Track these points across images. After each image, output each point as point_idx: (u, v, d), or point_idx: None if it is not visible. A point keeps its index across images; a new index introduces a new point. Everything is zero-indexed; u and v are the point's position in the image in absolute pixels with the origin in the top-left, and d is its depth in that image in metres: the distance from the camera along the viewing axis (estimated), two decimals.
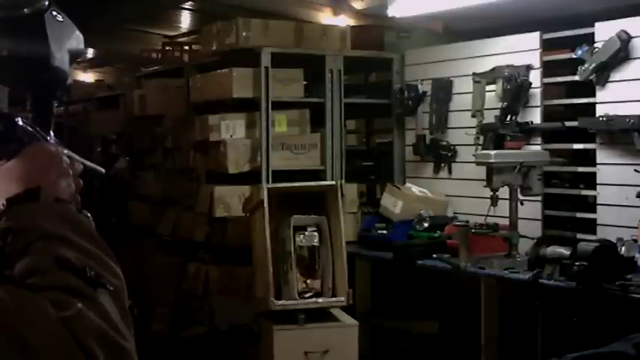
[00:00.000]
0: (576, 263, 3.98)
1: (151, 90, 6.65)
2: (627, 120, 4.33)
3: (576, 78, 4.62)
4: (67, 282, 1.01)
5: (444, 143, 5.48)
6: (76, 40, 1.27)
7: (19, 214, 1.08)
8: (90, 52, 9.43)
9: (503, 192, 4.60)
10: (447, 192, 5.47)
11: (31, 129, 1.19)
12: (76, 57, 1.27)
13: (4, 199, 1.10)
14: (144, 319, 5.69)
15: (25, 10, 1.18)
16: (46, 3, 1.21)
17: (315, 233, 4.60)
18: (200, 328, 5.49)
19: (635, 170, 4.35)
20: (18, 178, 1.12)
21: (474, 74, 5.15)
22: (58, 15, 1.22)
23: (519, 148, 4.84)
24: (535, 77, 4.90)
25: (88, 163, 1.28)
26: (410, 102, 5.60)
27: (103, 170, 1.35)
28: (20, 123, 1.18)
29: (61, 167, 1.17)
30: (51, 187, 1.13)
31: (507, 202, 4.60)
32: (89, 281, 1.02)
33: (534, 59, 4.91)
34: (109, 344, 0.98)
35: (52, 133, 1.23)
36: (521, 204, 4.60)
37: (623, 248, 4.12)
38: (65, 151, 1.21)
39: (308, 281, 4.57)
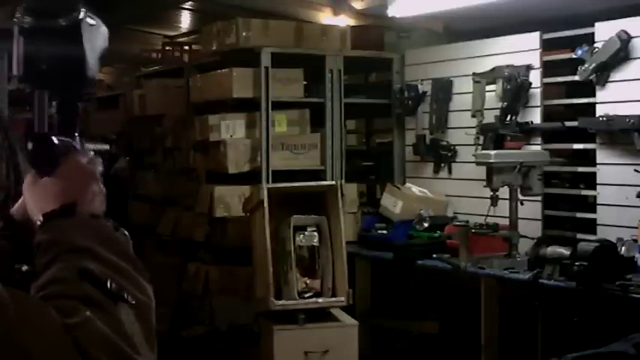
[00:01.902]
0: (576, 263, 3.99)
1: (151, 90, 6.65)
2: (627, 120, 4.33)
3: (576, 78, 4.62)
4: (83, 291, 1.02)
5: (444, 143, 5.48)
6: (105, 39, 1.25)
7: (53, 229, 1.10)
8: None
9: (503, 192, 4.60)
10: (447, 192, 5.47)
11: (63, 142, 1.19)
12: (102, 58, 1.25)
13: (41, 215, 1.12)
14: None
15: (61, 21, 1.16)
16: (82, 12, 1.19)
17: (315, 233, 4.60)
18: (200, 328, 5.49)
19: (635, 170, 4.35)
20: (54, 194, 1.14)
21: (474, 74, 5.15)
22: (92, 19, 1.21)
23: (519, 148, 4.84)
24: (535, 77, 4.90)
25: (93, 146, 1.28)
26: (410, 102, 5.60)
27: (107, 146, 1.35)
28: (55, 140, 1.18)
29: (96, 183, 1.19)
30: (86, 203, 1.15)
31: (507, 202, 4.60)
32: (109, 293, 1.03)
33: (534, 59, 4.91)
34: (116, 355, 0.98)
35: (77, 135, 1.23)
36: (521, 204, 4.60)
37: (623, 248, 4.12)
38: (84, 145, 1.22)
39: (308, 281, 4.57)
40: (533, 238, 4.51)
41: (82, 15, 1.18)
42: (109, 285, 1.04)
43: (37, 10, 1.16)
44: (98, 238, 1.10)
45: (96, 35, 1.21)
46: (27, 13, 1.16)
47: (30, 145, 1.17)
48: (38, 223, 1.13)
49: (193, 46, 7.66)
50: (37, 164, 1.16)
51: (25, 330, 0.94)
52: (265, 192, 4.63)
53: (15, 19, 1.17)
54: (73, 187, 1.15)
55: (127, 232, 1.18)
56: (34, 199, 1.16)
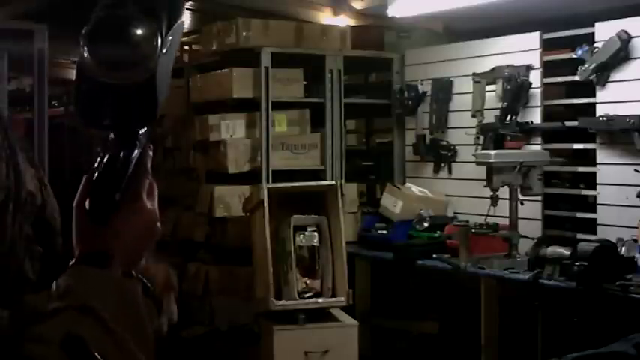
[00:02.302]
0: (576, 263, 3.99)
1: None
2: (627, 120, 4.33)
3: (576, 78, 4.62)
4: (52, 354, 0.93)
5: (444, 143, 5.48)
6: (179, 37, 1.06)
7: (76, 275, 1.02)
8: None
9: (503, 192, 4.60)
10: (447, 192, 5.47)
11: (130, 187, 1.04)
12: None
13: (77, 251, 1.04)
14: None
15: (133, 74, 0.98)
16: (157, 53, 0.99)
17: (315, 233, 4.60)
18: (200, 328, 5.49)
19: (635, 170, 4.35)
20: (98, 237, 1.03)
21: (474, 74, 5.15)
22: (165, 46, 1.00)
23: (519, 148, 4.84)
24: (535, 77, 4.90)
25: None
26: (410, 102, 5.60)
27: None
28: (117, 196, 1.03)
29: (151, 234, 1.07)
30: (126, 259, 1.05)
31: (507, 202, 4.60)
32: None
33: (534, 59, 4.91)
34: None
35: (138, 145, 1.06)
36: (521, 204, 4.60)
37: (623, 248, 4.12)
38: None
39: (308, 281, 4.57)
40: (533, 238, 4.51)
41: (156, 59, 0.99)
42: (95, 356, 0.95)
43: (106, 58, 0.99)
44: (118, 301, 1.01)
45: (171, 57, 1.02)
46: (93, 57, 0.99)
47: (90, 196, 1.04)
48: (72, 261, 1.04)
49: (193, 46, 7.65)
50: (92, 217, 1.04)
51: None
52: (265, 192, 4.63)
53: (78, 61, 1.01)
54: (122, 236, 1.04)
55: (154, 289, 1.10)
56: (80, 235, 1.06)
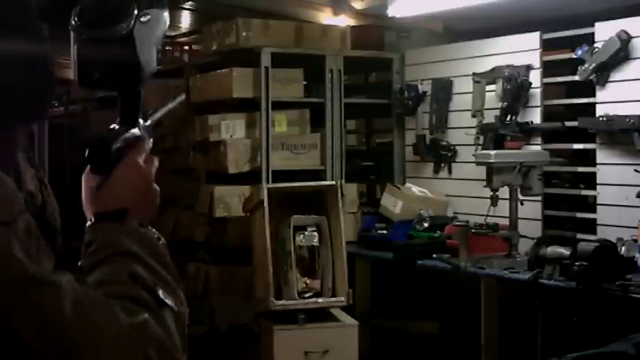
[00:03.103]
0: (576, 263, 3.99)
1: (151, 90, 6.64)
2: (627, 120, 4.33)
3: (576, 78, 4.62)
4: (138, 294, 1.08)
5: (444, 143, 5.48)
6: (164, 25, 1.27)
7: (103, 230, 1.17)
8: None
9: (503, 192, 4.60)
10: (447, 192, 5.47)
11: (124, 139, 1.23)
12: (162, 40, 1.29)
13: (92, 215, 1.19)
14: None
15: (113, 29, 1.19)
16: (134, 13, 1.20)
17: (315, 233, 4.60)
18: (200, 328, 5.49)
19: (635, 170, 4.35)
20: (108, 197, 1.20)
21: (474, 74, 5.15)
22: (144, 17, 1.22)
23: (519, 148, 4.84)
24: (535, 77, 4.90)
25: (166, 108, 1.37)
26: (410, 102, 5.60)
27: (183, 95, 1.41)
28: (113, 143, 1.22)
29: (149, 192, 1.24)
30: (137, 211, 1.20)
31: (507, 202, 4.61)
32: (157, 299, 1.10)
33: (534, 59, 4.91)
34: (167, 356, 1.05)
35: (140, 122, 1.28)
36: (521, 204, 4.60)
37: (623, 248, 4.12)
38: (145, 124, 1.28)
39: (308, 281, 4.57)
40: (533, 238, 4.51)
41: (133, 21, 1.20)
42: (157, 292, 1.10)
43: (90, 19, 1.20)
44: (145, 246, 1.16)
45: (151, 30, 1.23)
46: (80, 20, 1.20)
47: (88, 147, 1.22)
48: (88, 222, 1.19)
49: (193, 46, 7.65)
50: (94, 166, 1.22)
51: (98, 325, 0.99)
52: (265, 192, 4.63)
53: (70, 27, 1.21)
54: (126, 192, 1.20)
55: (165, 242, 1.23)
56: (89, 198, 1.22)
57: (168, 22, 1.28)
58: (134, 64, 1.22)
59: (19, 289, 0.95)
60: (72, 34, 1.21)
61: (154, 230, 1.23)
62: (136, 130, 1.26)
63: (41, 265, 1.00)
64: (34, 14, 1.15)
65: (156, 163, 1.27)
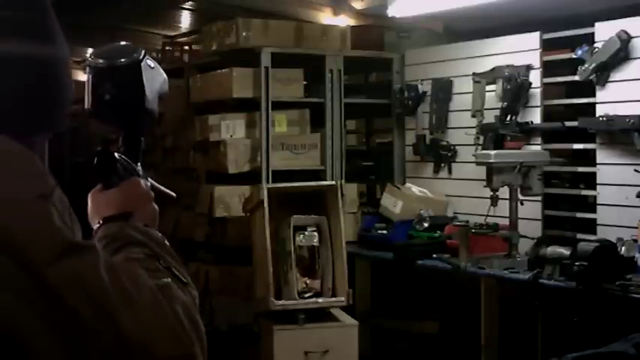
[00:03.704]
0: (576, 263, 3.98)
1: None
2: (627, 120, 4.33)
3: (576, 78, 4.62)
4: (157, 267, 1.17)
5: (444, 143, 5.48)
6: (164, 83, 1.47)
7: (114, 227, 1.27)
8: (90, 52, 9.44)
9: (503, 192, 4.60)
10: (447, 192, 5.47)
11: (126, 163, 1.38)
12: (162, 98, 1.45)
13: (100, 219, 1.30)
14: None
15: (123, 60, 1.38)
16: (142, 53, 1.40)
17: (315, 233, 4.60)
18: None
19: (635, 170, 4.35)
20: (115, 203, 1.32)
21: (474, 74, 5.15)
22: (151, 62, 1.41)
23: (519, 148, 4.84)
24: (535, 77, 4.90)
25: (161, 188, 1.52)
26: (410, 102, 5.60)
27: (174, 195, 1.59)
28: (117, 157, 1.37)
29: (152, 205, 1.38)
30: (141, 217, 1.32)
31: (507, 202, 4.60)
32: (176, 276, 1.18)
33: (534, 59, 4.91)
34: (192, 319, 1.12)
35: (139, 165, 1.43)
36: (521, 204, 4.60)
37: (623, 248, 4.12)
38: (149, 180, 1.44)
39: (308, 281, 4.57)
40: (533, 238, 4.51)
41: (141, 56, 1.39)
42: (174, 270, 1.19)
43: (104, 54, 1.39)
44: (152, 240, 1.25)
45: (154, 77, 1.42)
46: (95, 55, 1.39)
47: (97, 160, 1.35)
48: (96, 226, 1.30)
49: (193, 46, 7.65)
50: (102, 177, 1.35)
51: (131, 289, 1.06)
52: (265, 192, 4.63)
53: (87, 61, 1.39)
54: (132, 202, 1.33)
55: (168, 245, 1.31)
56: (96, 206, 1.33)
57: (167, 88, 1.47)
58: (140, 93, 1.38)
59: (61, 256, 1.01)
60: (88, 68, 1.39)
61: (157, 232, 1.32)
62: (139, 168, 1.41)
63: (75, 233, 1.06)
64: (55, 21, 1.20)
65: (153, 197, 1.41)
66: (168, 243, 1.28)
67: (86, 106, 1.39)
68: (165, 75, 1.47)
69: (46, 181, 1.07)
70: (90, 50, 1.38)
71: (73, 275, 1.00)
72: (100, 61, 1.38)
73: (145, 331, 1.04)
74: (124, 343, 1.02)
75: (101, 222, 1.29)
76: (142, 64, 1.39)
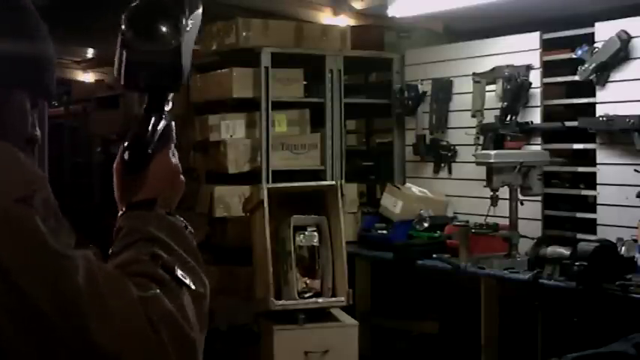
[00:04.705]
0: (576, 263, 3.98)
1: None
2: (627, 120, 4.33)
3: (576, 78, 4.62)
4: (154, 272, 1.15)
5: (444, 143, 5.48)
6: (199, 22, 1.34)
7: (134, 218, 1.26)
8: (90, 52, 9.43)
9: (503, 192, 4.60)
10: (447, 192, 5.47)
11: (160, 138, 1.32)
12: (196, 44, 1.37)
13: (124, 205, 1.29)
14: None
15: (163, 46, 1.27)
16: (183, 31, 1.28)
17: (315, 233, 4.60)
18: None
19: (635, 170, 4.35)
20: (140, 189, 1.29)
21: (474, 74, 5.15)
22: (188, 25, 1.30)
23: (519, 148, 4.84)
24: (535, 77, 4.90)
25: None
26: (410, 102, 5.60)
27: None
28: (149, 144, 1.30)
29: (177, 183, 1.34)
30: (165, 201, 1.30)
31: (507, 202, 4.61)
32: (175, 278, 1.17)
33: (534, 59, 4.91)
34: (175, 330, 1.11)
35: (165, 117, 1.34)
36: (521, 204, 4.60)
37: (623, 248, 4.12)
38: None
39: (308, 281, 4.57)
40: (533, 238, 4.51)
41: (182, 37, 1.27)
42: (175, 272, 1.17)
43: (142, 32, 1.27)
44: (171, 232, 1.24)
45: (192, 34, 1.31)
46: (131, 28, 1.26)
47: (127, 150, 1.30)
48: (120, 212, 1.29)
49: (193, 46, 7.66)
50: (131, 167, 1.30)
51: (108, 298, 1.05)
52: (265, 192, 4.63)
53: (120, 32, 1.27)
54: (157, 184, 1.30)
55: (192, 230, 1.31)
56: (122, 189, 1.31)
57: (201, 17, 1.34)
58: (178, 72, 1.30)
59: (37, 259, 1.01)
60: (121, 38, 1.27)
61: (181, 219, 1.31)
62: (163, 122, 1.34)
63: (59, 239, 1.04)
64: (33, 14, 1.19)
65: (176, 156, 1.37)
66: (190, 231, 1.29)
67: (115, 75, 1.30)
68: (199, 13, 1.34)
69: (28, 183, 1.05)
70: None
71: (45, 281, 1.00)
72: (137, 42, 1.26)
73: (116, 342, 1.03)
74: (94, 352, 1.02)
75: (124, 209, 1.29)
76: (182, 39, 1.28)
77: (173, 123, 1.38)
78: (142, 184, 1.29)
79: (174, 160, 1.35)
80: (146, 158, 1.29)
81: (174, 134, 1.38)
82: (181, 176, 1.35)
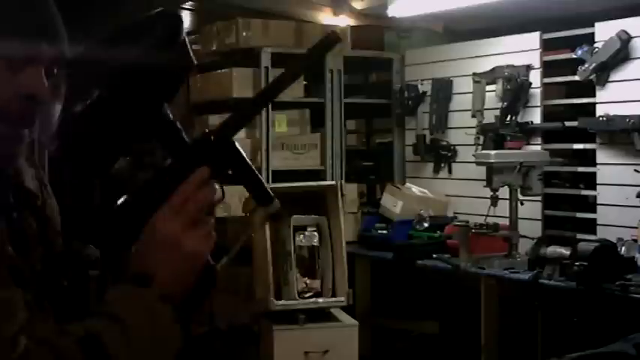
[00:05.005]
0: (576, 263, 3.98)
1: None
2: (627, 120, 4.33)
3: (576, 78, 4.62)
4: (64, 345, 1.05)
5: (444, 143, 5.48)
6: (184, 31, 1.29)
7: (118, 289, 1.14)
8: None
9: (504, 192, 4.60)
10: (447, 192, 5.47)
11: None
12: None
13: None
14: None
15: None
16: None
17: (315, 233, 4.60)
18: (200, 328, 5.48)
19: (635, 170, 4.35)
20: (138, 259, 1.16)
21: (474, 74, 5.15)
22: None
23: (519, 148, 4.84)
24: (535, 77, 4.90)
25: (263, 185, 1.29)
26: (410, 102, 5.60)
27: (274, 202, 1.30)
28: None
29: (182, 263, 1.16)
30: (163, 281, 1.14)
31: (507, 202, 4.60)
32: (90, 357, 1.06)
33: (534, 59, 4.91)
34: None
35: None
36: (521, 204, 4.60)
37: (623, 248, 4.12)
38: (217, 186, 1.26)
39: (308, 281, 4.57)
40: (533, 238, 4.50)
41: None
42: (100, 352, 1.07)
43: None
44: (144, 320, 1.11)
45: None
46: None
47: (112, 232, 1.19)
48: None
49: (193, 46, 7.66)
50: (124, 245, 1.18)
51: None
52: None
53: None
54: (155, 259, 1.15)
55: (191, 321, 1.19)
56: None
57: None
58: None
59: None
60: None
61: (179, 309, 1.16)
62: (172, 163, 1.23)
63: None
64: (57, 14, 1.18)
65: (212, 197, 1.27)
66: (182, 323, 1.15)
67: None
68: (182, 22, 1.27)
69: None
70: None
71: None
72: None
73: None
74: None
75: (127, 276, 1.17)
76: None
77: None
78: (142, 258, 1.16)
79: (175, 225, 1.17)
80: (128, 237, 1.16)
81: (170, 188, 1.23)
82: (190, 247, 1.17)
